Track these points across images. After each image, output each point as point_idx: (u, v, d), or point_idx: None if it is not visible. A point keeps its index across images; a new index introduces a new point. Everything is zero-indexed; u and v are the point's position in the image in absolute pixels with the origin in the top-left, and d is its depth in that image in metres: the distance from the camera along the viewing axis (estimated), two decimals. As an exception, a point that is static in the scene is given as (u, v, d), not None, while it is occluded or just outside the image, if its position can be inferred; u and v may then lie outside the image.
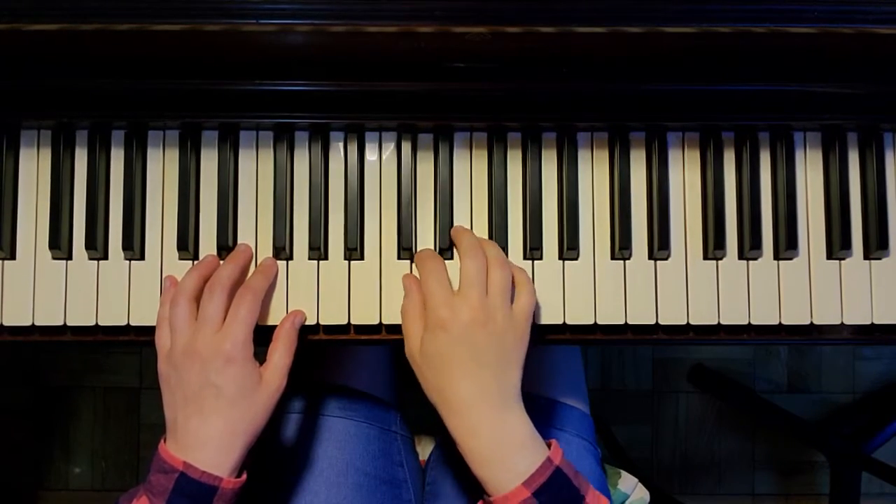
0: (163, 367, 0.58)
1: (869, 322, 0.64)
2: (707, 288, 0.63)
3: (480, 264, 0.58)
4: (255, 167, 0.64)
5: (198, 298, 0.58)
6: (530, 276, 0.62)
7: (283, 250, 0.63)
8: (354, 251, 0.63)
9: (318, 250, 0.63)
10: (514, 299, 0.59)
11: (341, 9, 0.53)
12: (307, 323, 0.62)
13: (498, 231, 0.63)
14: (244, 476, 0.57)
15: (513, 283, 0.60)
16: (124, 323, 0.62)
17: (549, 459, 0.54)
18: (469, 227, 0.64)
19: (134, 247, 0.62)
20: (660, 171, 0.64)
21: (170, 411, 0.57)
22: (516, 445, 0.54)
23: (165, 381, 0.58)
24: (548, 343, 0.64)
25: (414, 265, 0.63)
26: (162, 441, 0.57)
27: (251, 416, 0.56)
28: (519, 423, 0.56)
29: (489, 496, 0.54)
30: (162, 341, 0.59)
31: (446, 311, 0.56)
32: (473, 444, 0.55)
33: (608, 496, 0.76)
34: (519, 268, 0.62)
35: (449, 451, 0.73)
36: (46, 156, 0.63)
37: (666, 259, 0.64)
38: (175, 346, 0.57)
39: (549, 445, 0.56)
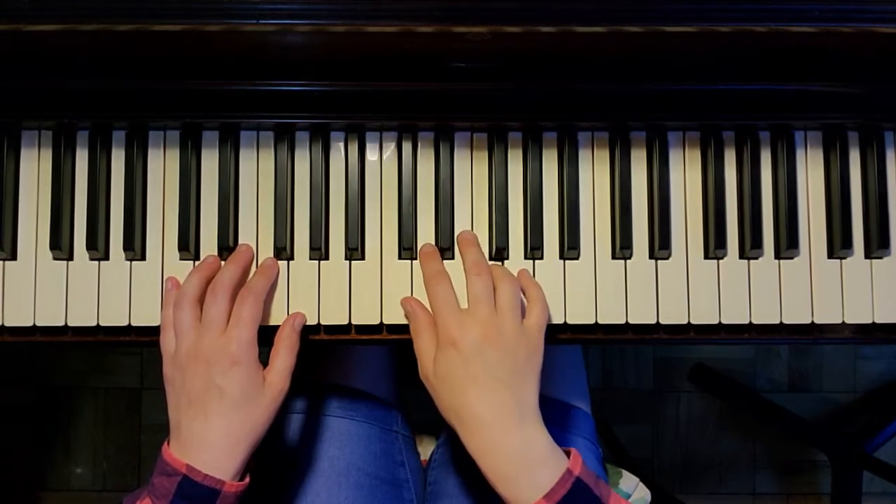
0: (168, 369, 0.58)
1: (870, 321, 0.63)
2: (708, 287, 0.63)
3: (486, 280, 0.58)
4: (256, 167, 0.64)
5: (200, 300, 0.58)
6: (542, 288, 0.61)
7: (283, 250, 0.63)
8: (355, 251, 0.63)
9: (319, 250, 0.63)
10: (526, 314, 0.59)
11: (341, 9, 0.53)
12: (308, 323, 0.62)
13: (499, 231, 0.63)
14: (247, 479, 0.57)
15: (525, 297, 0.60)
16: (125, 323, 0.62)
17: (568, 471, 0.53)
18: (470, 228, 0.64)
19: (135, 247, 0.62)
20: (660, 171, 0.64)
21: (174, 414, 0.57)
22: (536, 461, 0.54)
23: (170, 383, 0.58)
24: (549, 343, 0.63)
25: (415, 264, 0.63)
26: (165, 443, 0.57)
27: (254, 419, 0.56)
28: (538, 438, 0.55)
29: None
30: (167, 344, 0.59)
31: (456, 329, 0.56)
32: (493, 463, 0.54)
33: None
34: (533, 282, 0.62)
35: (450, 451, 0.73)
36: (47, 156, 0.63)
37: (667, 258, 0.64)
38: (180, 349, 0.57)
39: (568, 454, 0.56)
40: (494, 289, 0.59)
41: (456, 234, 0.63)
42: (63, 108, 0.62)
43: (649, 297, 0.63)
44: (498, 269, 0.60)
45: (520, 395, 0.55)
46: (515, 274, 0.62)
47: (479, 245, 0.63)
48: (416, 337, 0.60)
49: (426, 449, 0.80)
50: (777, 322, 0.63)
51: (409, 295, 0.63)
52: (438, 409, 0.58)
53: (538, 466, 0.53)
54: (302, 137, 0.64)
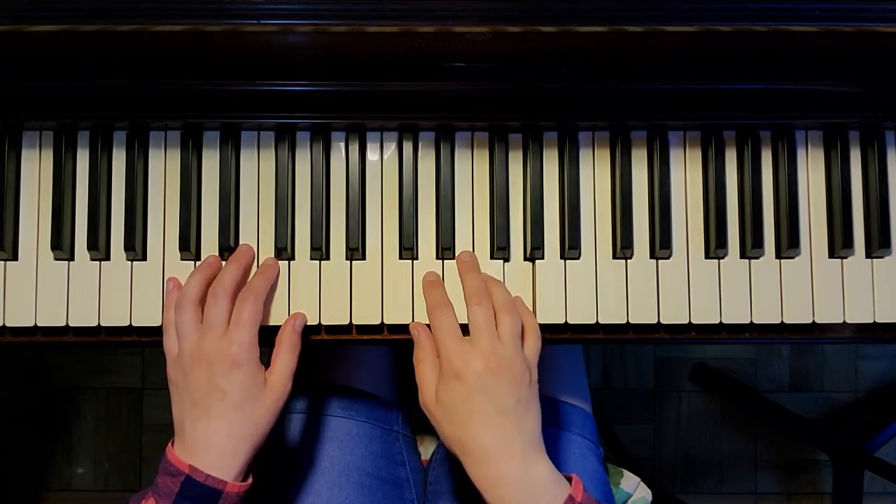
0: (171, 371, 0.58)
1: (871, 321, 0.63)
2: (709, 287, 0.63)
3: (487, 310, 0.58)
4: (257, 167, 0.64)
5: (202, 301, 0.59)
6: (530, 307, 0.61)
7: (284, 250, 0.63)
8: (356, 251, 0.63)
9: (320, 250, 0.63)
10: (524, 342, 0.59)
11: (342, 9, 0.53)
12: (309, 323, 0.62)
13: (499, 231, 0.63)
14: (249, 480, 0.57)
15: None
16: (126, 323, 0.62)
17: (570, 497, 0.54)
18: (471, 227, 0.64)
19: (136, 247, 0.62)
20: (661, 170, 0.64)
21: (178, 415, 0.57)
22: (540, 490, 0.54)
23: (174, 384, 0.58)
24: (550, 342, 0.64)
25: (416, 264, 0.63)
26: (170, 444, 0.57)
27: (256, 419, 0.56)
28: (542, 469, 0.55)
29: None
30: (170, 346, 0.59)
31: (459, 361, 0.56)
32: (498, 494, 0.54)
33: (610, 496, 0.76)
34: (527, 311, 0.61)
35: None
36: (48, 157, 0.63)
37: (668, 258, 0.64)
38: (182, 351, 0.57)
39: (569, 479, 0.56)
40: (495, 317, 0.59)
41: (457, 234, 0.63)
42: (64, 109, 0.62)
43: (650, 297, 0.63)
44: (498, 297, 0.60)
45: (523, 425, 0.56)
46: (509, 277, 0.62)
47: (478, 269, 0.62)
48: (418, 364, 0.60)
49: (427, 449, 0.80)
50: (778, 322, 0.63)
51: (410, 294, 0.63)
52: (440, 436, 0.58)
53: (541, 495, 0.54)
54: (303, 138, 0.64)
